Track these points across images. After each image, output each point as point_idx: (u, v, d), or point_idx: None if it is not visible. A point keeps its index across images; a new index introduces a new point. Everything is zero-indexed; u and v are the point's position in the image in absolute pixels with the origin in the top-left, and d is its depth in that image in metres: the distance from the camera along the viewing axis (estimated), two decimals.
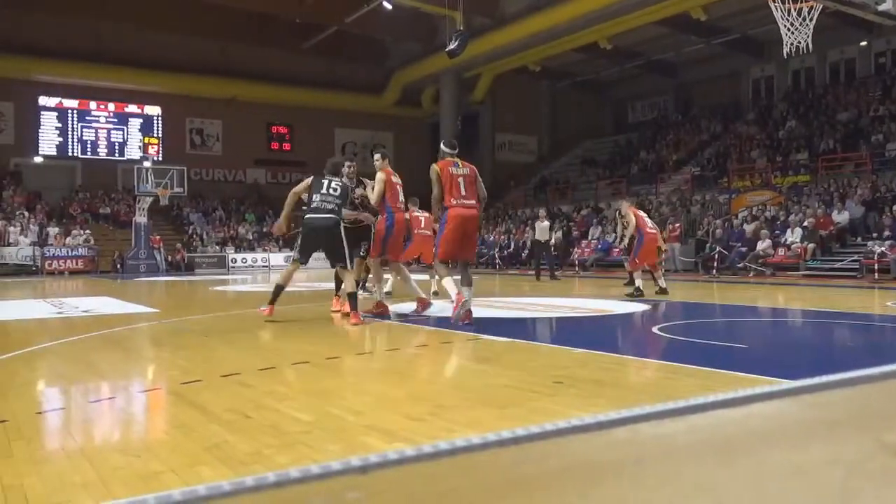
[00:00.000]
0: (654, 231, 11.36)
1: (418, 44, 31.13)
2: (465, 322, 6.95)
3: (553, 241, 18.24)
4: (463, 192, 7.08)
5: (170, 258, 27.97)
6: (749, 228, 19.86)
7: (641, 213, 11.43)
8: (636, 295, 10.80)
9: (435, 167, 7.17)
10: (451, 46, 21.23)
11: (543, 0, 25.51)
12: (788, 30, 11.36)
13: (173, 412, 3.80)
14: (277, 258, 29.17)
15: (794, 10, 11.23)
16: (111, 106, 32.59)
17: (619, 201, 11.98)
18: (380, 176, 8.00)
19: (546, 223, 17.67)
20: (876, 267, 15.83)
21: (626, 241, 11.85)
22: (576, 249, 23.95)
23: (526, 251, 25.45)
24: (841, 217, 18.75)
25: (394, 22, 27.62)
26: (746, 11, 25.10)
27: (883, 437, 0.70)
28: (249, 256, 29.89)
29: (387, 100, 35.65)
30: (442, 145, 7.60)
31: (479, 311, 9.11)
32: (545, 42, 28.13)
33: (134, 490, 2.43)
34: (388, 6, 25.45)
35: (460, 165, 7.21)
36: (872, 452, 0.68)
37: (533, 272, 18.31)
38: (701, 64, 32.51)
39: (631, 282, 11.68)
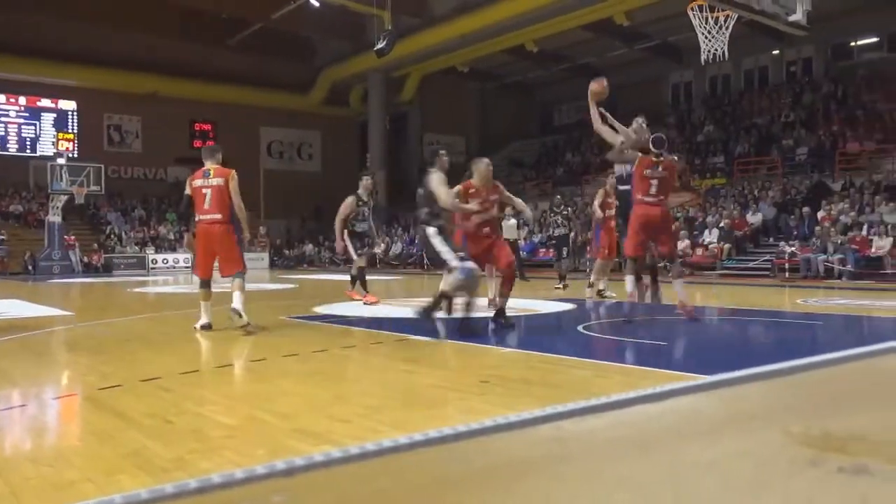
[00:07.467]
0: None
1: (346, 42, 30.86)
2: None
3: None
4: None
5: (86, 259, 26.93)
6: None
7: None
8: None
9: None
10: (380, 45, 21.15)
11: (472, 1, 25.69)
12: (706, 37, 11.79)
13: (90, 419, 3.66)
14: None
15: (712, 18, 11.67)
16: (22, 100, 31.16)
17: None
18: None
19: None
20: (787, 266, 16.58)
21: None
22: None
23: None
24: (755, 218, 19.54)
25: (321, 19, 27.32)
26: (667, 18, 25.85)
27: (790, 429, 0.73)
28: (171, 257, 29.03)
29: (314, 98, 35.20)
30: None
31: (406, 312, 9.10)
32: (473, 43, 28.33)
33: (47, 501, 2.34)
34: (316, 3, 25.14)
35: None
36: (781, 445, 0.71)
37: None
38: (624, 69, 33.25)
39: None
